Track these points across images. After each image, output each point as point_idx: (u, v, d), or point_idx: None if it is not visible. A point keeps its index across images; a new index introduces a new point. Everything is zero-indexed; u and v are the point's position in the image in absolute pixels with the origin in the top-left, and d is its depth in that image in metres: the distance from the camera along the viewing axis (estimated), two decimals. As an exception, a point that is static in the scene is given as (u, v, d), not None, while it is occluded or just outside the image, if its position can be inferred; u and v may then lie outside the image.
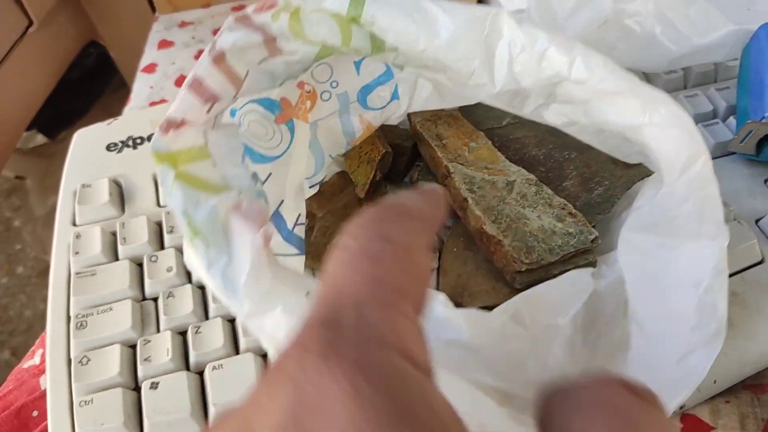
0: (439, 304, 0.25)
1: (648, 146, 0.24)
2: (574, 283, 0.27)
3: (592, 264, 0.29)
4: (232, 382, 0.28)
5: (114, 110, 0.99)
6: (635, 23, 0.37)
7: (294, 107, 0.31)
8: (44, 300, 0.98)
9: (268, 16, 0.25)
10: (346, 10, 0.24)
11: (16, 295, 0.96)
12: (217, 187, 0.24)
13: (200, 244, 0.23)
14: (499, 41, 0.25)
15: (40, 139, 0.97)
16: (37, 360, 0.34)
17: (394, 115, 0.33)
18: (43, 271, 0.98)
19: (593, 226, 0.31)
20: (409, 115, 0.35)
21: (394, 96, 0.32)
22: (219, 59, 0.24)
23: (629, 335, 0.25)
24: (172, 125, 0.24)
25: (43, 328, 0.37)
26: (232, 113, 0.28)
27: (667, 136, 0.23)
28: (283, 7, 0.25)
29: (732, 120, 0.38)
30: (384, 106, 0.33)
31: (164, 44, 0.51)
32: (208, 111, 0.24)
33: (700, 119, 0.38)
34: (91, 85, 0.91)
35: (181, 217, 0.23)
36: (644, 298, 0.25)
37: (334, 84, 0.32)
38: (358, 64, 0.32)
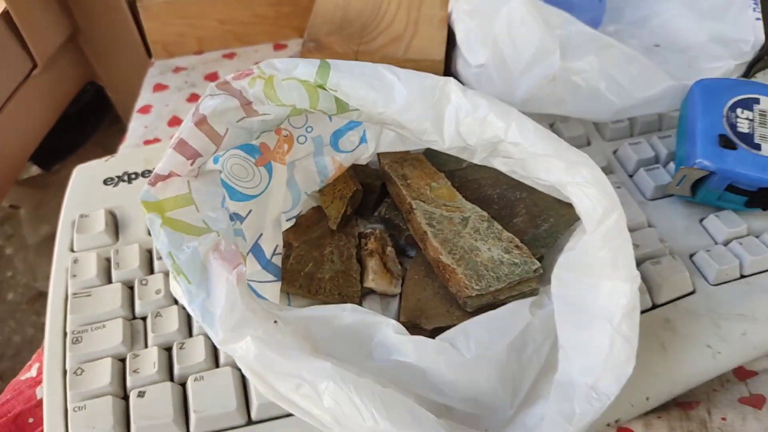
0: (391, 330, 0.29)
1: (572, 200, 0.28)
2: (513, 315, 0.31)
3: (535, 291, 0.33)
4: (211, 392, 0.31)
5: (108, 145, 1.03)
6: (581, 79, 0.41)
7: (272, 151, 0.35)
8: (33, 326, 1.00)
9: (245, 82, 0.29)
10: (314, 78, 0.28)
11: (6, 321, 0.98)
12: (198, 229, 0.28)
13: (183, 281, 0.26)
14: (447, 106, 0.29)
15: (34, 170, 1.00)
16: (33, 373, 0.37)
17: (363, 156, 0.37)
18: (32, 298, 1.00)
19: (540, 258, 0.35)
20: (378, 157, 0.39)
21: (363, 140, 0.36)
22: (201, 122, 0.28)
23: (557, 359, 0.29)
24: (160, 179, 0.27)
25: (31, 353, 0.40)
26: (215, 160, 0.32)
27: (586, 193, 0.27)
28: (259, 75, 0.29)
29: (672, 165, 0.43)
30: (354, 149, 0.37)
31: (159, 87, 0.55)
32: (192, 164, 0.28)
33: (642, 164, 0.43)
34: (86, 120, 0.95)
35: (167, 257, 0.27)
36: (569, 327, 0.28)
37: (309, 129, 0.36)
38: (330, 112, 0.36)
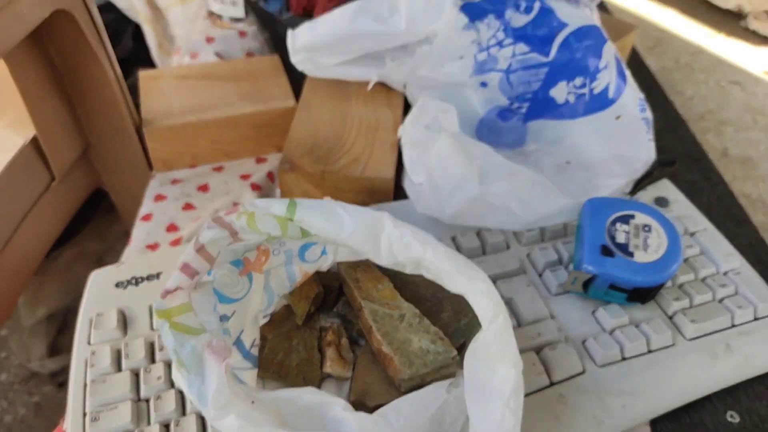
0: (338, 407, 0.38)
1: (472, 305, 0.38)
2: (433, 393, 0.40)
3: (453, 374, 0.42)
4: (202, 458, 0.40)
5: (102, 231, 1.11)
6: (496, 199, 0.52)
7: (252, 263, 0.45)
8: (25, 406, 1.07)
9: (233, 217, 0.39)
10: (284, 214, 0.39)
11: (-1, 400, 1.04)
12: (196, 330, 0.37)
13: (184, 372, 0.36)
14: (383, 233, 0.39)
15: (33, 257, 1.09)
16: (55, 446, 0.45)
17: (324, 265, 0.47)
18: (25, 379, 1.06)
19: (461, 346, 0.45)
20: (338, 264, 0.49)
21: (323, 252, 0.47)
22: (200, 249, 0.38)
23: (468, 428, 0.38)
24: (169, 293, 0.37)
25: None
26: (209, 273, 0.42)
27: (481, 301, 0.37)
28: (243, 212, 0.39)
29: (572, 267, 0.53)
30: (316, 260, 0.47)
31: (159, 198, 0.65)
32: (192, 280, 0.38)
33: (548, 266, 0.53)
34: (83, 210, 1.05)
35: (173, 353, 0.36)
36: (474, 402, 0.37)
37: (282, 244, 0.46)
38: (298, 234, 0.46)
